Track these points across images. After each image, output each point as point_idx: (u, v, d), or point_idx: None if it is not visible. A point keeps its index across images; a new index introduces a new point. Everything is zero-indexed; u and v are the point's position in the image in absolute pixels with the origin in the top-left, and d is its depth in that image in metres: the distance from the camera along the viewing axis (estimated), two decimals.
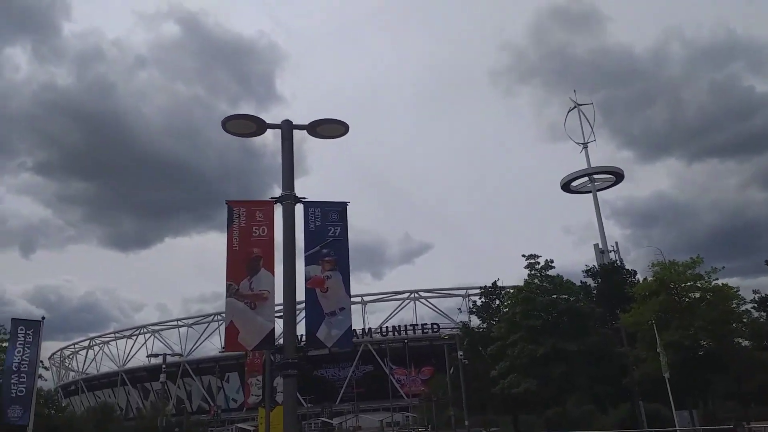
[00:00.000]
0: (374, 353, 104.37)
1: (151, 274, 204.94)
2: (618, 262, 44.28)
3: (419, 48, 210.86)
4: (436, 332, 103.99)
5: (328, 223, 8.69)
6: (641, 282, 36.39)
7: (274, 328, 8.07)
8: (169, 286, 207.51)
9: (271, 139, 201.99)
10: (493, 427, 45.31)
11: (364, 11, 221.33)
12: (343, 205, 8.91)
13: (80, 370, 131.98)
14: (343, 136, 9.08)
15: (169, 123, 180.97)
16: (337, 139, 9.09)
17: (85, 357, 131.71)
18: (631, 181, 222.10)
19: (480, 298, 45.92)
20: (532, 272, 36.99)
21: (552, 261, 37.00)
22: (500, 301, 44.43)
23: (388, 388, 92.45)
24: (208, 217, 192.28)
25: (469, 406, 40.20)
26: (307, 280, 8.34)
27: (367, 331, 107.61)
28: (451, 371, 44.23)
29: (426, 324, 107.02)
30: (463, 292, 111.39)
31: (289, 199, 8.41)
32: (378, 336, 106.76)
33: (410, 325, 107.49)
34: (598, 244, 52.65)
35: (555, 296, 35.75)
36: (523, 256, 37.65)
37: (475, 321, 48.18)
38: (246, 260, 8.20)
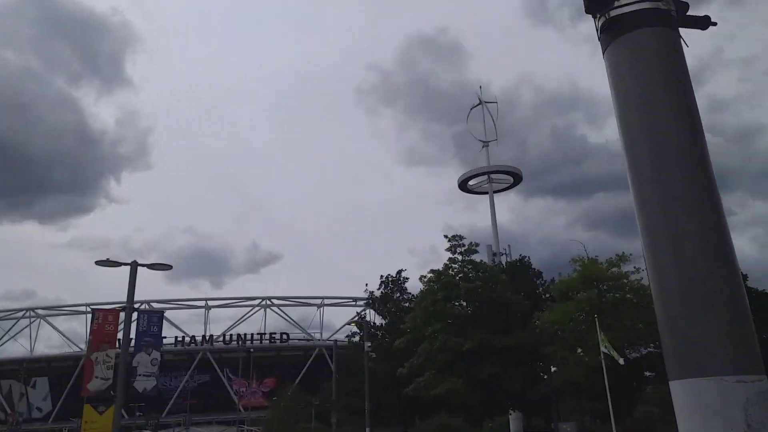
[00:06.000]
0: (213, 362, 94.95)
1: None
2: (527, 260, 41.26)
3: (287, 52, 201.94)
4: (285, 342, 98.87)
5: None
6: (562, 278, 33.36)
7: None
8: None
9: (111, 125, 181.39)
10: None
11: (233, 4, 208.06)
12: None
13: None
14: None
15: None
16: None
17: None
18: (475, 211, 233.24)
19: (380, 288, 40.34)
20: (455, 254, 32.28)
21: (477, 244, 32.64)
22: (401, 293, 39.54)
23: (224, 399, 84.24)
24: (27, 204, 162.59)
25: (356, 412, 34.24)
26: None
27: (208, 338, 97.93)
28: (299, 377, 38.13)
29: (275, 333, 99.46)
30: (318, 301, 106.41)
31: None
32: (220, 344, 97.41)
33: (257, 334, 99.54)
34: (491, 246, 49.85)
35: (478, 284, 31.34)
36: (446, 237, 32.90)
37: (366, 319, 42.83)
38: None
